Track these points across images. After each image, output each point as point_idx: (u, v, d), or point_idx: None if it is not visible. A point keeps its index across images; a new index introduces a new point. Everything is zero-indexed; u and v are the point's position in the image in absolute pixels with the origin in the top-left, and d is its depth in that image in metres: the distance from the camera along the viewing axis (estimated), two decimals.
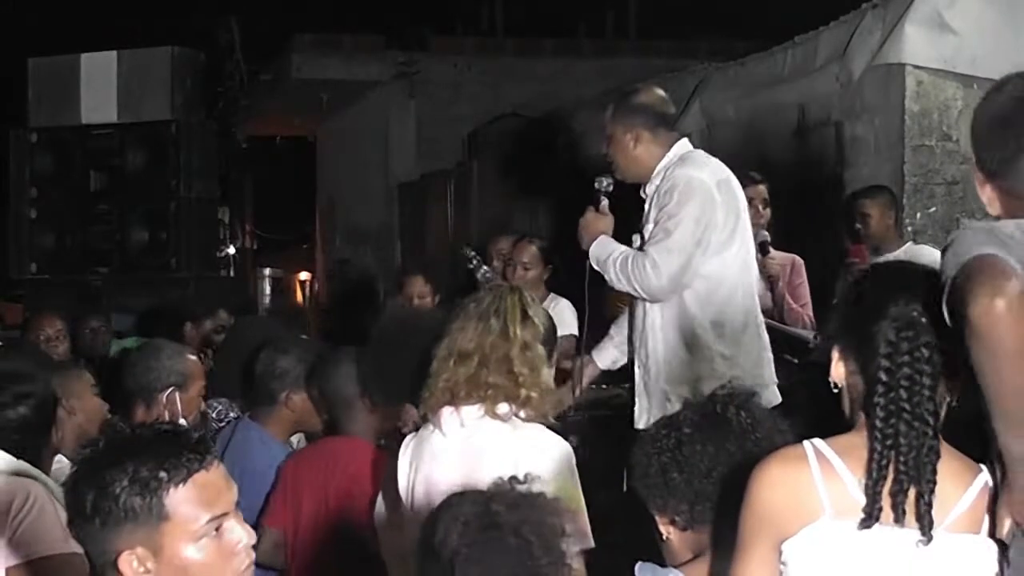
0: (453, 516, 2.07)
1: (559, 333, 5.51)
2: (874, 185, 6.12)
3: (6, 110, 10.24)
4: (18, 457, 3.10)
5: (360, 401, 3.70)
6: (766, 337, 4.35)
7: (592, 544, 2.82)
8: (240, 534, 2.15)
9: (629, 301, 4.49)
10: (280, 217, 18.75)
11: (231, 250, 14.85)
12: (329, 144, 17.04)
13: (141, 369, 4.05)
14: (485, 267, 5.97)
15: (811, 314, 5.68)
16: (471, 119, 12.89)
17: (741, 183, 4.39)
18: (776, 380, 4.30)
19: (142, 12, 14.62)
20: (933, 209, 6.29)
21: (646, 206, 4.33)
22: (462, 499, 2.12)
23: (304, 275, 18.10)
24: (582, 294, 4.57)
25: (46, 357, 5.18)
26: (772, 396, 4.16)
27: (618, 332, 4.60)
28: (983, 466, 2.27)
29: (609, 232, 4.36)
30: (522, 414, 2.92)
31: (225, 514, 2.13)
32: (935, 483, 2.18)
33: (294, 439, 4.26)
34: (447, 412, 2.94)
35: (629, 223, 4.44)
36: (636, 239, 4.37)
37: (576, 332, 5.73)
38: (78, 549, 2.20)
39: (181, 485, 2.07)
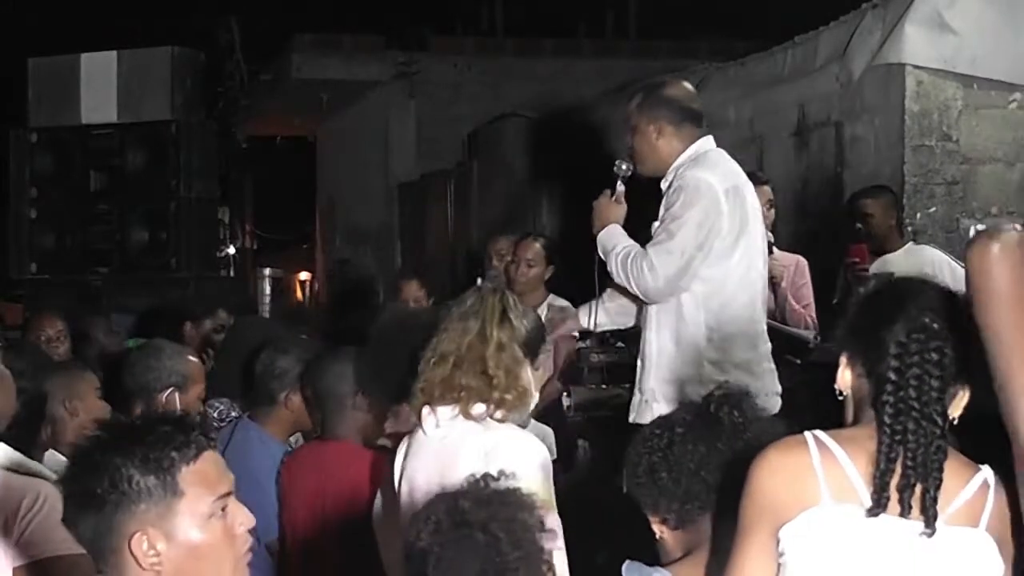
0: (426, 515, 2.10)
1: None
2: (876, 185, 6.13)
3: (6, 110, 10.23)
4: None
5: (352, 401, 3.69)
6: (766, 348, 4.30)
7: (562, 545, 2.82)
8: (242, 516, 2.19)
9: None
10: (280, 217, 18.75)
11: (231, 250, 14.85)
12: (329, 144, 17.04)
13: (141, 369, 4.05)
14: (493, 272, 5.98)
15: (814, 315, 5.68)
16: (471, 119, 12.88)
17: None
18: (778, 389, 4.25)
19: (142, 12, 14.62)
20: (933, 209, 6.29)
21: (661, 203, 4.30)
22: (436, 499, 2.16)
23: (304, 275, 18.11)
24: (582, 293, 4.57)
25: (46, 358, 5.17)
26: (765, 407, 4.11)
27: (610, 298, 4.54)
28: (983, 466, 2.28)
29: (620, 221, 4.33)
30: (498, 415, 2.92)
31: (229, 494, 2.18)
32: (941, 480, 2.20)
33: (292, 439, 4.26)
34: (425, 412, 2.96)
35: (643, 212, 4.42)
36: (656, 227, 4.34)
37: (576, 333, 5.74)
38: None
39: (192, 463, 2.12)
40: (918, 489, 2.19)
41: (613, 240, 4.28)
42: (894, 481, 2.19)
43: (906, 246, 5.93)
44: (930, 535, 2.20)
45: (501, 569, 2.03)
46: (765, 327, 4.37)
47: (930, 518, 2.19)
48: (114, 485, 2.08)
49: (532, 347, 3.02)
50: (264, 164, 17.27)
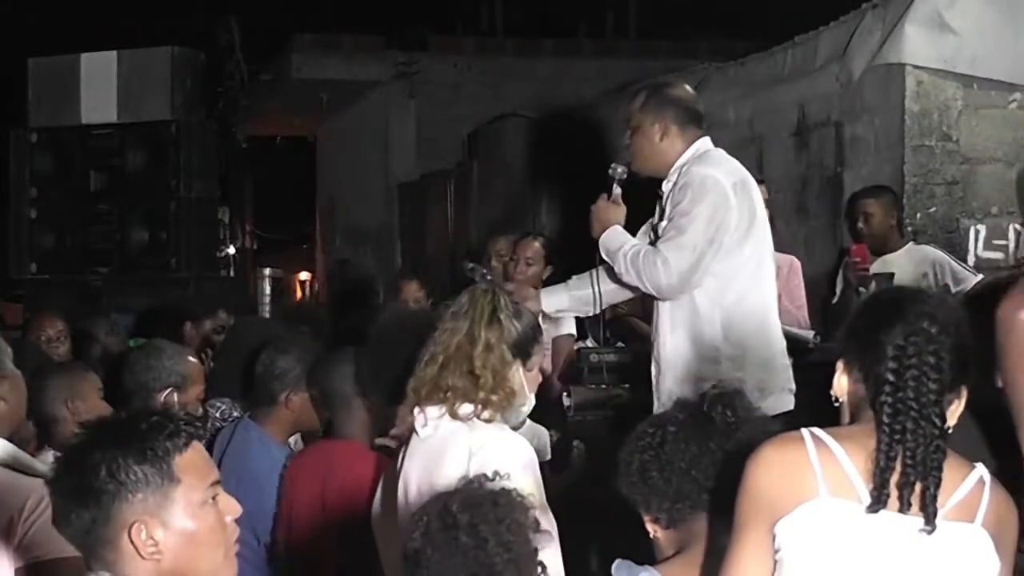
0: (419, 517, 2.13)
1: (558, 333, 5.59)
2: (876, 185, 6.13)
3: (6, 110, 10.23)
4: None
5: (359, 400, 3.70)
6: (781, 343, 4.29)
7: (557, 546, 2.81)
8: (230, 505, 2.24)
9: (641, 304, 4.45)
10: (280, 217, 18.76)
11: (231, 250, 14.85)
12: (329, 144, 17.04)
13: (141, 368, 4.05)
14: (483, 270, 5.97)
15: (806, 316, 5.68)
16: (471, 119, 12.88)
17: None
18: (792, 386, 4.23)
19: (142, 12, 14.62)
20: (933, 209, 6.29)
21: (661, 203, 4.29)
22: (430, 500, 2.18)
23: (304, 275, 18.11)
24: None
25: (47, 358, 5.17)
26: (780, 403, 4.10)
27: (577, 284, 4.53)
28: (978, 464, 2.30)
29: (621, 222, 4.32)
30: (484, 415, 2.91)
31: (218, 482, 2.23)
32: (941, 479, 2.21)
33: (291, 440, 4.26)
34: (416, 413, 2.97)
35: (639, 214, 4.42)
36: (647, 231, 4.33)
37: (574, 332, 5.74)
38: None
39: (184, 451, 2.17)
40: (917, 487, 2.20)
41: (618, 240, 4.27)
42: (893, 478, 2.20)
43: (906, 246, 5.93)
44: (930, 532, 2.20)
45: (489, 572, 2.04)
46: (779, 322, 4.38)
47: (930, 515, 2.20)
48: (111, 475, 2.10)
49: (523, 348, 3.01)
50: (264, 164, 17.27)
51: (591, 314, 4.60)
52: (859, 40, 6.55)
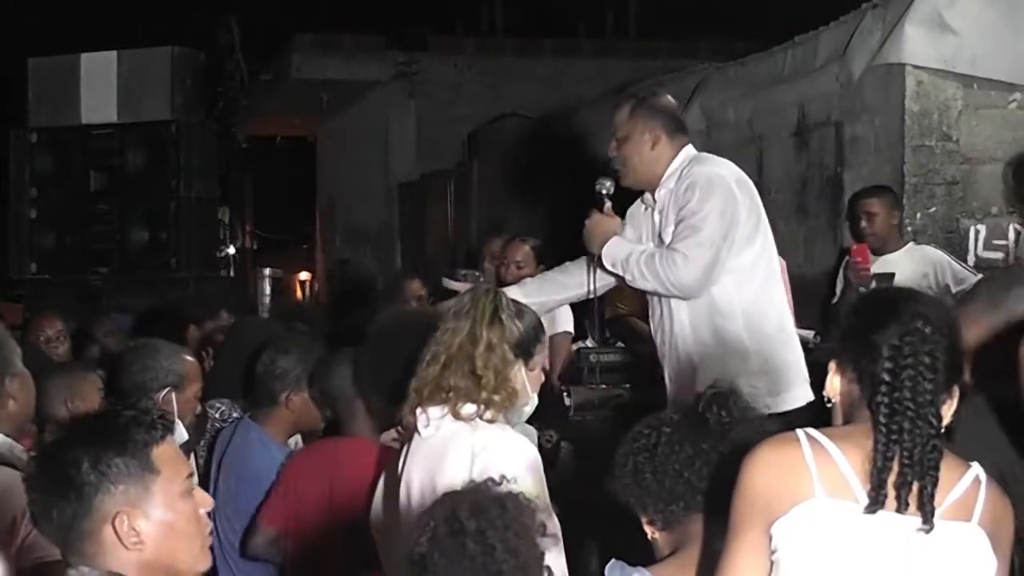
0: (425, 520, 2.11)
1: (555, 331, 5.59)
2: (878, 185, 6.14)
3: (6, 110, 10.23)
4: None
5: (360, 400, 3.70)
6: (795, 336, 4.30)
7: (561, 548, 2.81)
8: (204, 499, 2.30)
9: (640, 304, 4.42)
10: (280, 217, 18.77)
11: (231, 250, 14.85)
12: (329, 144, 17.05)
13: (138, 368, 4.03)
14: (476, 273, 5.97)
15: (792, 316, 5.66)
16: (471, 119, 12.89)
17: None
18: (807, 377, 4.22)
19: (142, 12, 14.62)
20: (933, 209, 6.29)
21: (655, 214, 4.27)
22: (437, 504, 2.16)
23: (304, 275, 18.12)
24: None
25: (47, 358, 5.17)
26: (804, 393, 4.10)
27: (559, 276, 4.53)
28: (973, 463, 2.30)
29: (620, 232, 4.31)
30: (487, 415, 2.91)
31: (192, 475, 2.29)
32: (938, 479, 2.21)
33: (292, 440, 4.26)
34: (417, 413, 2.96)
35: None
36: (671, 230, 4.30)
37: (571, 329, 5.74)
38: None
39: (162, 443, 2.21)
40: (915, 487, 2.20)
41: (624, 249, 4.25)
42: (891, 478, 2.20)
43: (907, 246, 5.94)
44: (928, 531, 2.20)
45: None
46: (790, 313, 4.37)
47: (927, 514, 2.20)
48: (93, 467, 2.14)
49: (525, 347, 3.00)
50: (264, 164, 17.28)
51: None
52: (859, 40, 6.55)
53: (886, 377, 2.22)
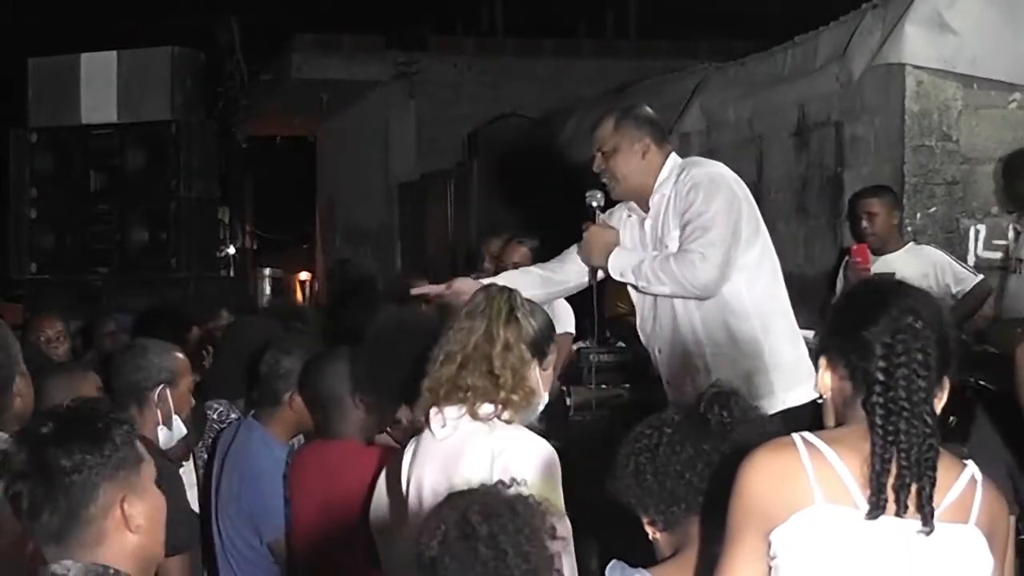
0: (435, 523, 2.10)
1: (557, 332, 5.57)
2: (878, 185, 6.14)
3: (6, 110, 10.23)
4: None
5: (351, 400, 3.69)
6: (799, 332, 4.30)
7: (572, 550, 2.81)
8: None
9: (639, 307, 4.40)
10: (280, 217, 18.77)
11: (231, 250, 14.84)
12: (329, 144, 17.05)
13: (130, 369, 4.02)
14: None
15: None
16: (471, 119, 12.90)
17: None
18: (813, 373, 4.23)
19: (142, 12, 14.61)
20: (933, 209, 6.29)
21: (647, 221, 4.27)
22: (446, 505, 2.15)
23: (304, 275, 18.11)
24: (578, 294, 4.56)
25: (47, 359, 5.17)
26: (811, 390, 4.11)
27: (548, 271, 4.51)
28: (968, 462, 2.29)
29: (620, 241, 4.29)
30: (505, 415, 2.91)
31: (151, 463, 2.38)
32: (935, 479, 2.20)
33: (294, 441, 4.25)
34: (433, 413, 2.95)
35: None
36: (676, 235, 4.29)
37: (572, 330, 5.73)
38: None
39: (135, 434, 2.32)
40: (913, 488, 2.19)
41: (632, 256, 4.23)
42: (889, 481, 2.19)
43: (907, 246, 5.94)
44: (928, 533, 2.19)
45: None
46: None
47: (927, 516, 2.18)
48: (99, 453, 2.21)
49: (540, 347, 3.00)
50: (264, 164, 17.27)
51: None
52: (859, 40, 6.55)
53: (880, 376, 2.21)
